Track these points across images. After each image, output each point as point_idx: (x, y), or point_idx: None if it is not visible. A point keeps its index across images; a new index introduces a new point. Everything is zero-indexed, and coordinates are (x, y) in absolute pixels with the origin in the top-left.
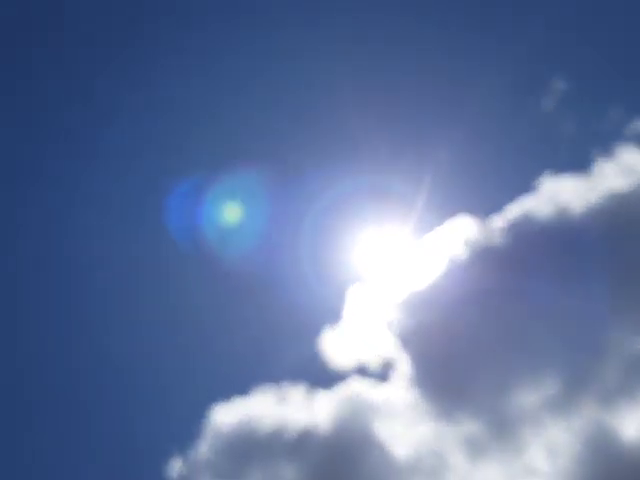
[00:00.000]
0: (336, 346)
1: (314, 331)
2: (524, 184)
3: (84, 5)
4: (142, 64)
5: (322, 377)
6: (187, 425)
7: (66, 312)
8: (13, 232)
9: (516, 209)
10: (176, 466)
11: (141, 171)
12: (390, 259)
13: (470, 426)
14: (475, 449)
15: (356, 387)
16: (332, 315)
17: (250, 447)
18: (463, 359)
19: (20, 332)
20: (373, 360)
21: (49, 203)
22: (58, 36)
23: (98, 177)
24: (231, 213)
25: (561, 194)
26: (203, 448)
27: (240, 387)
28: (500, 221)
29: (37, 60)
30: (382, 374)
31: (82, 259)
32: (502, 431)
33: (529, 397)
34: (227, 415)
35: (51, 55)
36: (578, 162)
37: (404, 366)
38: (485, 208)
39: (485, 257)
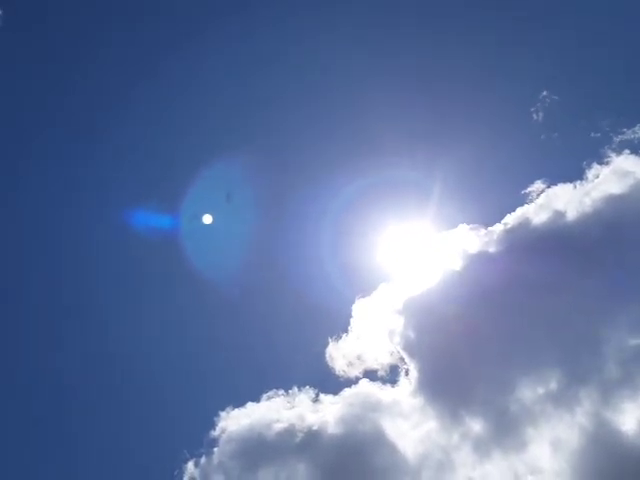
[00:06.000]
0: (345, 352)
1: (324, 337)
2: (522, 193)
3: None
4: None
5: (331, 382)
6: (201, 430)
7: (75, 323)
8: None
9: (515, 217)
10: (191, 470)
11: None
12: (394, 268)
13: (474, 425)
14: (480, 447)
15: (365, 390)
16: (341, 322)
17: (262, 450)
18: (467, 361)
19: (30, 351)
20: (381, 365)
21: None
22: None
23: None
24: (244, 225)
25: (557, 201)
26: (217, 452)
27: (252, 393)
28: (499, 229)
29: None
30: (390, 378)
31: (85, 268)
32: (506, 429)
33: (531, 395)
34: (240, 420)
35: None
36: (572, 171)
37: (411, 370)
38: (485, 217)
39: (486, 263)
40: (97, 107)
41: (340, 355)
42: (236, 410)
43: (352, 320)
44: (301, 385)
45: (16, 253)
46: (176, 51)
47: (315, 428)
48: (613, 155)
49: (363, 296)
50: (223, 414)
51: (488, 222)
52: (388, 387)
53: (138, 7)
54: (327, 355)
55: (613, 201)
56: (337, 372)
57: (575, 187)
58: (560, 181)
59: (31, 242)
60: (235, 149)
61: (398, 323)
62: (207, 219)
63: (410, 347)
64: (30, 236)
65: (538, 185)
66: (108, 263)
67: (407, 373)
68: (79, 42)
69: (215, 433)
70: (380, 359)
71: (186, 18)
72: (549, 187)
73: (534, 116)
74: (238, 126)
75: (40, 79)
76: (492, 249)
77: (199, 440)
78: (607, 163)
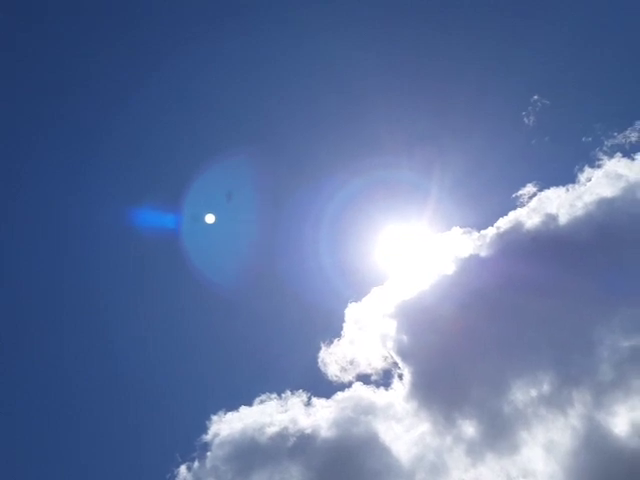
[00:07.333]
0: (338, 356)
1: (316, 341)
2: (514, 197)
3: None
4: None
5: (324, 386)
6: (194, 434)
7: (71, 324)
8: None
9: (507, 221)
10: (183, 474)
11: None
12: (386, 272)
13: (467, 427)
14: (473, 450)
15: (358, 394)
16: (334, 326)
17: (254, 454)
18: (460, 364)
19: (27, 355)
20: (374, 369)
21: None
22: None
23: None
24: (242, 225)
25: (549, 204)
26: (209, 456)
27: (245, 397)
28: (492, 232)
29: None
30: (383, 382)
31: (85, 273)
32: (498, 432)
33: (524, 398)
34: (232, 423)
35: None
36: (564, 174)
37: (404, 373)
38: (478, 220)
39: (478, 267)
40: (99, 107)
41: (333, 359)
42: (229, 414)
43: (345, 324)
44: (294, 389)
45: (17, 251)
46: (178, 50)
47: (308, 432)
48: (605, 158)
49: (355, 300)
50: (215, 418)
51: (481, 225)
52: (381, 391)
53: (138, 6)
54: (320, 359)
55: (605, 204)
56: (330, 376)
57: (567, 190)
58: (552, 184)
59: (33, 240)
60: (236, 149)
61: (391, 327)
62: (209, 219)
63: (403, 351)
64: (32, 234)
65: (530, 189)
66: (109, 262)
67: (400, 377)
68: (78, 42)
69: (208, 437)
70: (373, 363)
71: (187, 17)
72: (541, 191)
73: (525, 120)
74: (239, 126)
75: (40, 79)
76: (485, 253)
77: (191, 444)
78: (599, 166)
